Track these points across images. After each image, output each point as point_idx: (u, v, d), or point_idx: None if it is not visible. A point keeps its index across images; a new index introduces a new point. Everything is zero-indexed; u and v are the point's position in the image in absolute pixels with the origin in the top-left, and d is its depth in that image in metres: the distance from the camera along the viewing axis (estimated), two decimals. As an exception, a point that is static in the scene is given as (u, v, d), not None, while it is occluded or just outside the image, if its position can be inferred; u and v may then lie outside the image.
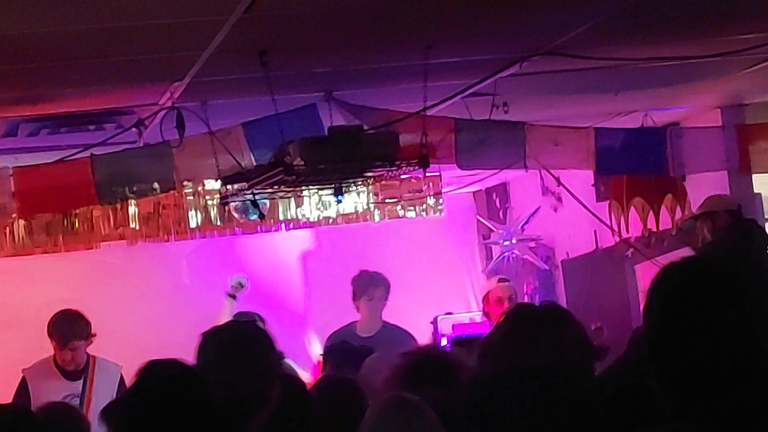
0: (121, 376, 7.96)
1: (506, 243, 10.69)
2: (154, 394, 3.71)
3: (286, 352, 8.06)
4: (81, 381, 8.09)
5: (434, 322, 10.16)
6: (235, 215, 9.31)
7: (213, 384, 3.87)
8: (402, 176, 7.65)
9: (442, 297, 10.91)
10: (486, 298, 9.40)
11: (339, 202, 8.08)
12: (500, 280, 9.52)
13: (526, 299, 10.62)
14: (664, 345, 2.81)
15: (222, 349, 4.03)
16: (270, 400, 4.00)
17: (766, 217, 9.10)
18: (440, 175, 9.55)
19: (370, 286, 8.98)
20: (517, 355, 3.42)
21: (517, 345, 3.50)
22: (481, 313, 9.69)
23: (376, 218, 10.29)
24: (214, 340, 4.07)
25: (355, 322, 9.01)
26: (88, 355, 8.16)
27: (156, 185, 7.20)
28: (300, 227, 10.50)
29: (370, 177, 6.72)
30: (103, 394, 7.75)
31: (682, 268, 2.90)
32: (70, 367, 8.09)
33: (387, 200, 9.96)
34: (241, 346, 4.03)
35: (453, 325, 9.78)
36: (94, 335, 8.10)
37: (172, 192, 8.18)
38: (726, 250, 7.41)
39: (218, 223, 10.05)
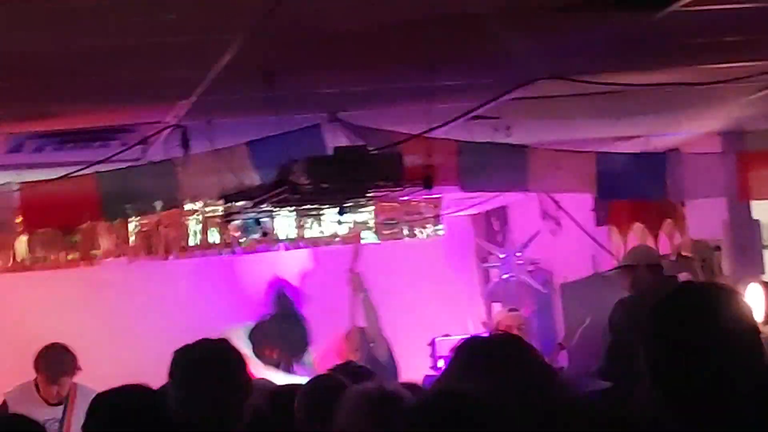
0: None
1: (504, 266, 10.71)
2: (110, 423, 3.78)
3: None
4: (62, 406, 8.06)
5: (432, 344, 10.19)
6: (236, 234, 9.33)
7: (183, 401, 3.90)
8: (404, 197, 7.68)
9: (439, 319, 10.90)
10: (495, 329, 9.40)
11: (341, 222, 8.11)
12: (510, 310, 9.57)
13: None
14: (665, 369, 2.85)
15: (192, 367, 4.04)
16: (242, 417, 4.00)
17: (764, 243, 9.12)
18: (441, 198, 9.57)
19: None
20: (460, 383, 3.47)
21: (463, 375, 3.54)
22: (480, 334, 9.71)
23: (376, 239, 10.30)
24: (185, 357, 4.09)
25: None
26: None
27: (159, 203, 7.22)
28: (300, 247, 10.52)
29: (373, 197, 6.73)
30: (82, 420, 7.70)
31: (673, 297, 2.96)
32: (54, 401, 8.06)
33: (387, 221, 9.97)
34: (211, 364, 4.04)
35: (451, 347, 9.78)
36: (79, 369, 8.04)
37: (173, 210, 8.19)
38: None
39: (218, 241, 10.07)
